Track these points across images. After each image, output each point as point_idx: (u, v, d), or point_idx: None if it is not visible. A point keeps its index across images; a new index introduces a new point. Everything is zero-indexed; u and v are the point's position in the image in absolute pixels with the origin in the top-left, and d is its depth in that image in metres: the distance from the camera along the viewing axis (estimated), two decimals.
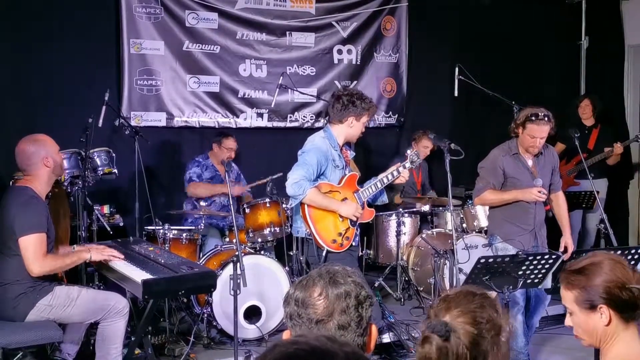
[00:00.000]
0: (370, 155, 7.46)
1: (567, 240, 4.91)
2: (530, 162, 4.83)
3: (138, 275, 3.88)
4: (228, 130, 6.51)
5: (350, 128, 4.39)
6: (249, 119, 6.92)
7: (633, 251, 4.03)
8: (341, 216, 4.32)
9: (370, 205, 4.61)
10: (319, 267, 1.89)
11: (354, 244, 4.45)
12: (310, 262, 4.73)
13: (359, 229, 4.49)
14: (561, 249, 4.87)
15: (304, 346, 1.22)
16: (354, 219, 4.34)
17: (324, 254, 4.28)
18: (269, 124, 7.04)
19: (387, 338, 5.28)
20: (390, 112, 7.57)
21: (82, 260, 4.23)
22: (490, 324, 1.86)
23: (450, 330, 1.81)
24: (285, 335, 1.83)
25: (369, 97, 4.46)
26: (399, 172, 4.49)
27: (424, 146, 6.79)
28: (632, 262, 4.02)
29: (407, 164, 4.52)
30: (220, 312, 5.08)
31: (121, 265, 4.16)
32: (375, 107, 4.53)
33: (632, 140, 7.15)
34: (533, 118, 4.63)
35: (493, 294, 4.61)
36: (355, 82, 7.33)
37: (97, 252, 4.21)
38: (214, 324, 5.19)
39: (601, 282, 2.15)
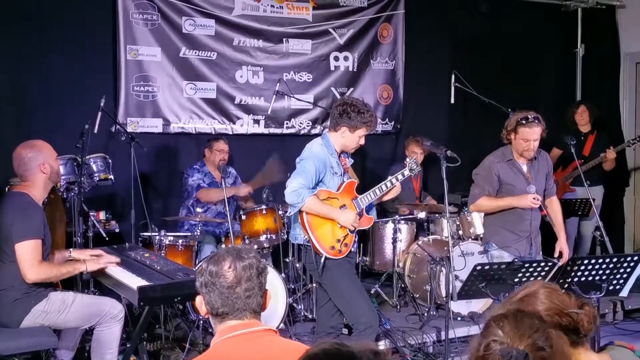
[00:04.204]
0: (366, 161, 7.47)
1: (562, 246, 4.91)
2: (525, 168, 4.84)
3: (134, 281, 3.87)
4: (225, 138, 6.50)
5: (343, 138, 4.36)
6: (245, 126, 6.92)
7: (629, 258, 4.04)
8: (340, 224, 4.32)
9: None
10: (225, 247, 2.26)
11: (352, 249, 4.45)
12: (308, 269, 4.72)
13: (356, 235, 4.49)
14: (556, 254, 4.88)
15: (345, 348, 1.52)
16: (352, 228, 4.34)
17: (322, 260, 4.27)
18: (266, 131, 7.04)
19: (383, 345, 5.28)
20: (387, 119, 7.58)
21: (77, 272, 4.22)
22: (553, 351, 1.87)
23: (529, 358, 1.81)
24: (198, 300, 2.29)
25: (370, 112, 4.36)
26: (398, 180, 4.49)
27: (412, 152, 6.76)
28: (629, 270, 4.03)
29: (406, 172, 4.53)
30: None
31: (117, 271, 4.15)
32: (375, 121, 4.43)
33: (624, 145, 7.17)
34: (523, 122, 4.65)
35: (489, 301, 4.62)
36: (351, 89, 7.34)
37: (92, 263, 4.20)
38: (210, 330, 5.18)
39: (540, 311, 2.14)
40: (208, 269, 2.26)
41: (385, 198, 4.65)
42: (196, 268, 2.40)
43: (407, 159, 4.62)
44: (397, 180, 4.49)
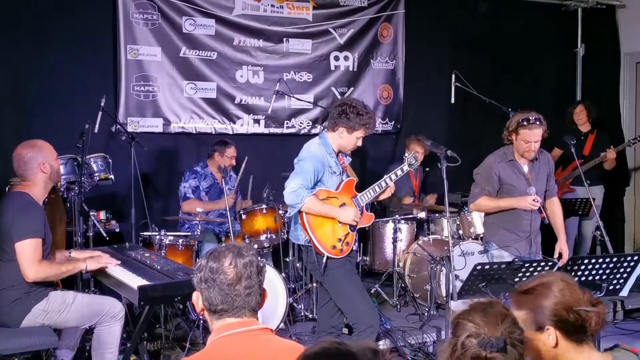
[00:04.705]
0: (366, 161, 7.47)
1: (562, 246, 4.91)
2: (526, 168, 4.83)
3: (134, 281, 3.87)
4: (226, 138, 6.51)
5: (341, 138, 4.36)
6: (245, 125, 6.92)
7: (629, 258, 4.04)
8: (340, 222, 4.32)
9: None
10: (224, 244, 2.36)
11: (354, 248, 4.45)
12: (309, 269, 4.71)
13: (357, 235, 4.48)
14: (556, 254, 4.88)
15: (344, 347, 1.53)
16: (354, 224, 4.34)
17: (324, 260, 4.27)
18: (266, 130, 7.04)
19: (383, 344, 5.28)
20: (387, 119, 7.58)
21: (77, 270, 4.21)
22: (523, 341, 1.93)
23: (507, 344, 1.88)
24: (195, 296, 2.29)
25: (369, 114, 4.35)
26: (397, 175, 4.50)
27: (414, 151, 6.73)
28: (629, 269, 4.03)
29: (405, 167, 4.55)
30: None
31: (117, 271, 4.15)
32: (373, 124, 4.42)
33: (625, 144, 7.18)
34: (525, 123, 4.64)
35: None
36: (352, 88, 7.34)
37: (93, 262, 4.19)
38: (210, 330, 5.17)
39: (549, 304, 2.16)
40: (208, 265, 2.24)
41: (380, 198, 4.65)
42: (196, 264, 2.35)
43: (406, 154, 4.62)
44: (397, 176, 4.51)
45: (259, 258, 2.33)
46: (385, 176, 4.52)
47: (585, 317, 2.15)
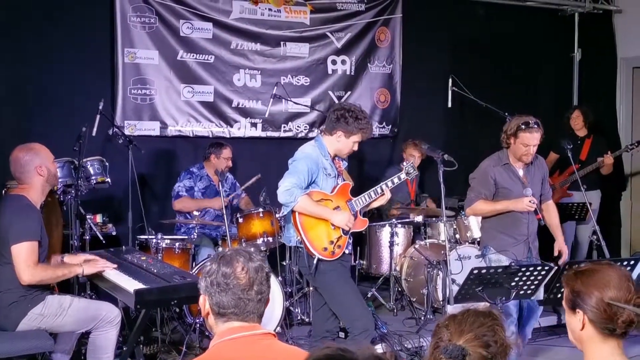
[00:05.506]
0: (363, 165, 7.47)
1: (561, 245, 4.95)
2: (521, 172, 4.85)
3: (130, 284, 3.87)
4: (222, 141, 6.51)
5: (338, 142, 4.38)
6: (242, 129, 6.92)
7: (625, 263, 4.05)
8: (333, 224, 4.32)
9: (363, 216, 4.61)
10: (232, 248, 2.37)
11: (346, 251, 4.44)
12: (303, 273, 4.71)
13: (351, 238, 4.48)
14: (555, 253, 4.91)
15: (348, 354, 1.54)
16: (346, 228, 4.34)
17: (314, 262, 4.27)
18: (263, 134, 7.04)
19: (380, 349, 5.27)
20: (384, 123, 7.59)
21: (73, 275, 4.21)
22: (502, 347, 1.95)
23: (466, 354, 1.89)
24: (202, 299, 2.25)
25: (367, 119, 4.39)
26: (394, 183, 4.50)
27: (410, 155, 6.74)
28: None
29: (402, 175, 4.55)
30: None
31: (114, 274, 4.14)
32: (370, 129, 4.45)
33: (622, 150, 7.20)
34: (524, 127, 4.67)
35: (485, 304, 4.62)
36: (349, 92, 7.34)
37: (89, 266, 4.17)
38: (207, 334, 5.18)
39: (588, 292, 2.19)
40: (221, 270, 2.22)
41: (374, 205, 4.64)
42: (204, 268, 2.32)
43: (404, 163, 4.64)
44: (393, 183, 4.51)
45: (265, 262, 2.33)
46: (381, 183, 4.52)
47: (617, 312, 2.16)
